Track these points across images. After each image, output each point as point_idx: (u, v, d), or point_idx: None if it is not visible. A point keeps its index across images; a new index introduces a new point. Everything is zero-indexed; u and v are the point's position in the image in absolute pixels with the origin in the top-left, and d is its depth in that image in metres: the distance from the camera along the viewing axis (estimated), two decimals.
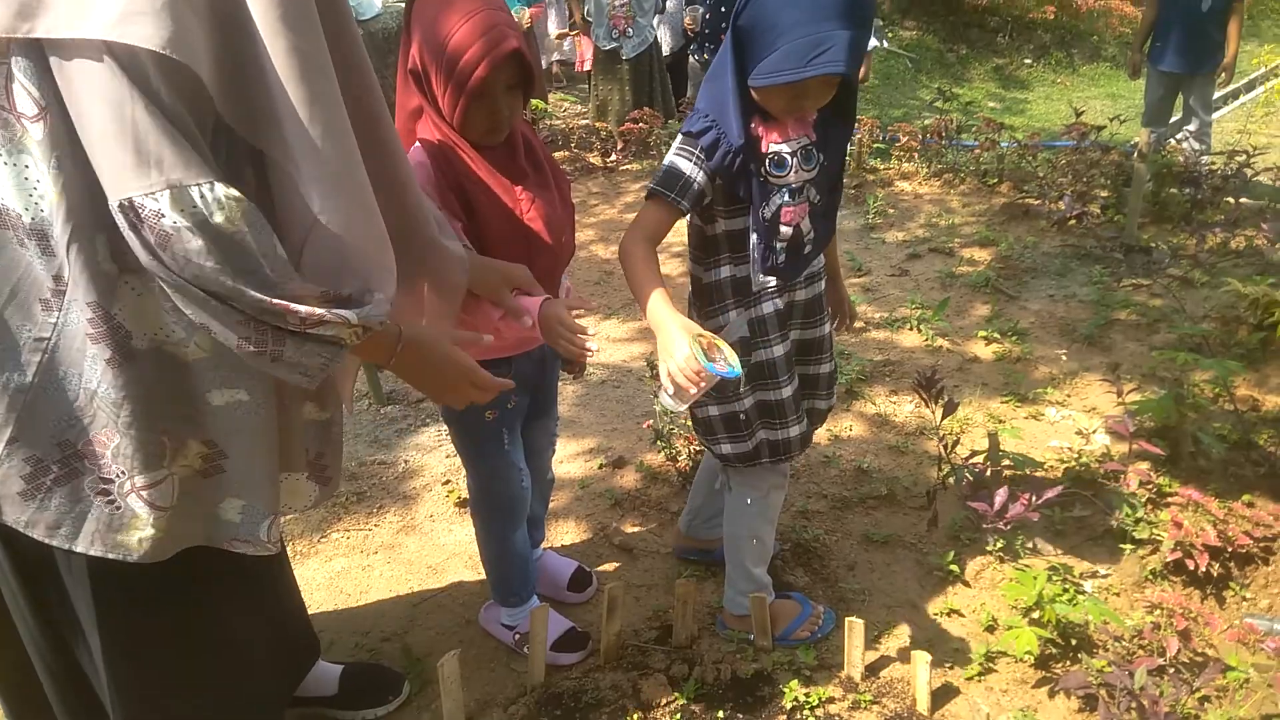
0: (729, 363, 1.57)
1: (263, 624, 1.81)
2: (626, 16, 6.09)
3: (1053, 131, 6.91)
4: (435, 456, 3.01)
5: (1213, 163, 5.08)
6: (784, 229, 1.84)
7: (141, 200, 1.10)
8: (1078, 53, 12.62)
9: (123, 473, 1.32)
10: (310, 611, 2.35)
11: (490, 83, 1.66)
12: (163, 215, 1.10)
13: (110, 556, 1.36)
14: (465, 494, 2.72)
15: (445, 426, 2.85)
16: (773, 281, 1.89)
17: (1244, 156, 4.91)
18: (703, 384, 1.58)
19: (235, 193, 1.14)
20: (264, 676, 1.80)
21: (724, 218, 1.85)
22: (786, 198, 1.82)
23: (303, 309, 1.20)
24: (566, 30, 6.41)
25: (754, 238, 1.83)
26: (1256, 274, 3.69)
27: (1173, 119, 5.90)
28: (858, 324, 2.20)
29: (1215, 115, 5.98)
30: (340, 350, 1.29)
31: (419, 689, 2.10)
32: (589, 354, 1.76)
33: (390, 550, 2.62)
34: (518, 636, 2.20)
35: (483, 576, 2.30)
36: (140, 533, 1.36)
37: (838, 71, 1.60)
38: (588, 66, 6.73)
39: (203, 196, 1.12)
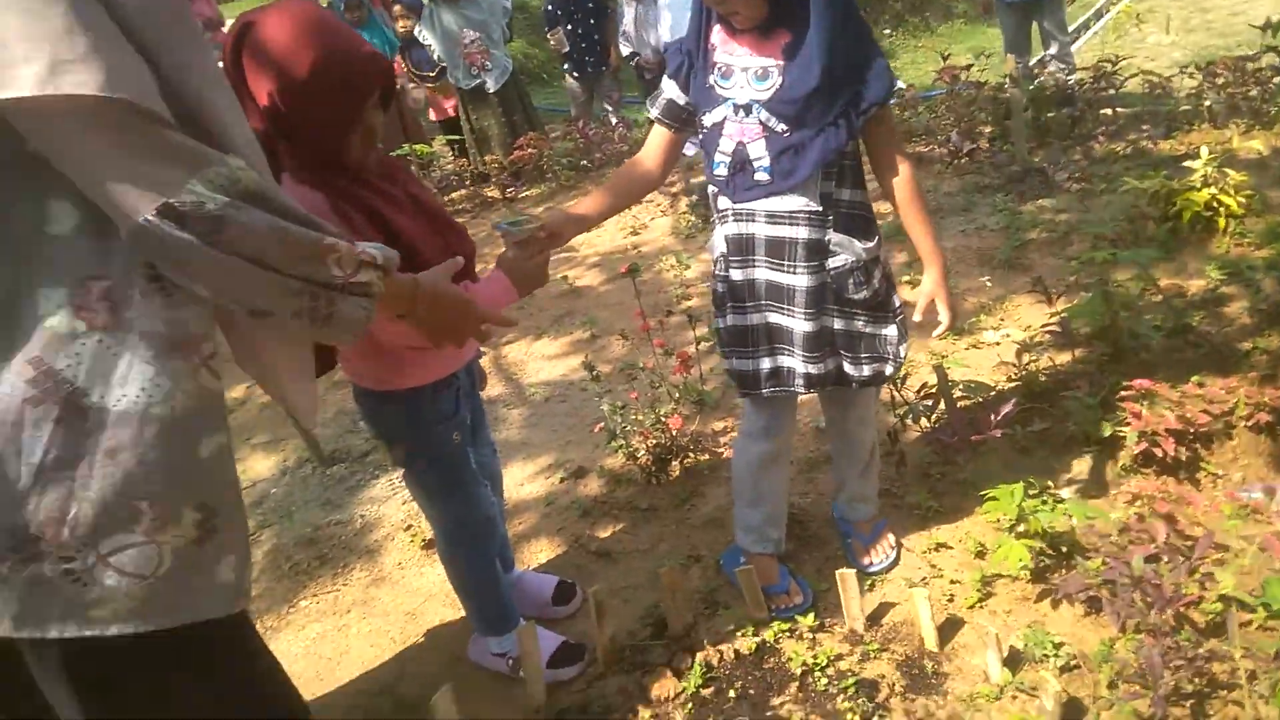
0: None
1: (259, 699, 1.70)
2: (481, 51, 6.07)
3: (926, 85, 7.08)
4: (391, 505, 2.91)
5: (1081, 80, 5.24)
6: (724, 141, 1.86)
7: (179, 198, 1.10)
8: (931, 14, 13.01)
9: (84, 545, 1.20)
10: (294, 684, 2.24)
11: (373, 99, 1.65)
12: (204, 203, 1.11)
13: (85, 634, 1.23)
14: (429, 536, 2.63)
15: (397, 474, 2.77)
16: (722, 201, 1.93)
17: (1109, 67, 5.08)
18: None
19: (240, 162, 1.17)
20: None
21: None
22: (730, 111, 1.83)
23: (342, 242, 1.24)
24: (413, 88, 6.37)
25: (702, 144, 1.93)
26: (1148, 171, 3.79)
27: (1038, 55, 6.07)
28: (938, 330, 2.02)
29: (1073, 45, 6.18)
30: (373, 297, 1.31)
31: None
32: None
33: (364, 606, 2.51)
34: (511, 661, 2.12)
35: (463, 613, 2.22)
36: (114, 605, 1.23)
37: None
38: (450, 113, 6.67)
39: (221, 173, 1.14)
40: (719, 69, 1.85)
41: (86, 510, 1.19)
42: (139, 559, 1.23)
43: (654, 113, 2.02)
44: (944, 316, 2.00)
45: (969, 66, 5.59)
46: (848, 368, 2.00)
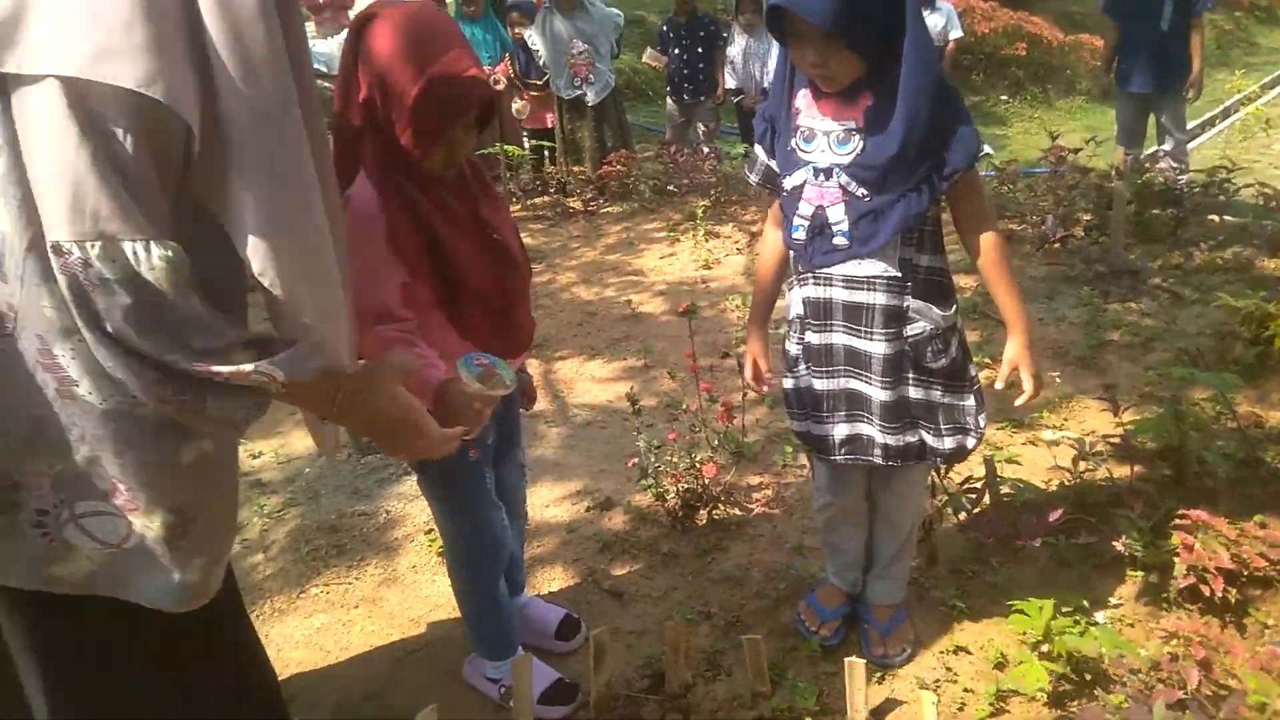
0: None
1: (232, 690, 1.70)
2: (587, 64, 6.12)
3: (1031, 161, 6.92)
4: (417, 505, 2.91)
5: (1192, 181, 5.07)
6: (803, 205, 1.84)
7: (70, 247, 1.05)
8: (1052, 88, 12.77)
9: (61, 501, 1.24)
10: (290, 671, 2.26)
11: (467, 120, 1.66)
12: (90, 265, 1.06)
13: (44, 590, 1.27)
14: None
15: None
16: (801, 266, 1.91)
17: (1224, 174, 4.90)
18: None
19: (170, 252, 1.10)
20: None
21: None
22: (810, 175, 1.81)
23: (226, 370, 1.15)
24: (520, 101, 6.42)
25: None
26: (1246, 289, 3.63)
27: (1150, 149, 5.91)
28: (1020, 399, 1.99)
29: (1194, 143, 6.00)
30: (267, 399, 1.24)
31: None
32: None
33: (371, 604, 2.51)
34: (503, 690, 2.09)
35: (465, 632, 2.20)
36: (74, 565, 1.27)
37: (775, 3, 1.65)
38: (547, 124, 6.70)
39: (134, 253, 1.07)
40: (802, 133, 1.83)
41: (70, 471, 1.23)
42: (107, 527, 1.27)
43: (755, 179, 2.01)
44: (1028, 385, 1.93)
45: (1078, 150, 5.45)
46: (929, 439, 1.95)
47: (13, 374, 1.18)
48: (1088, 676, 2.01)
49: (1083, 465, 2.64)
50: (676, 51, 6.86)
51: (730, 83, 6.80)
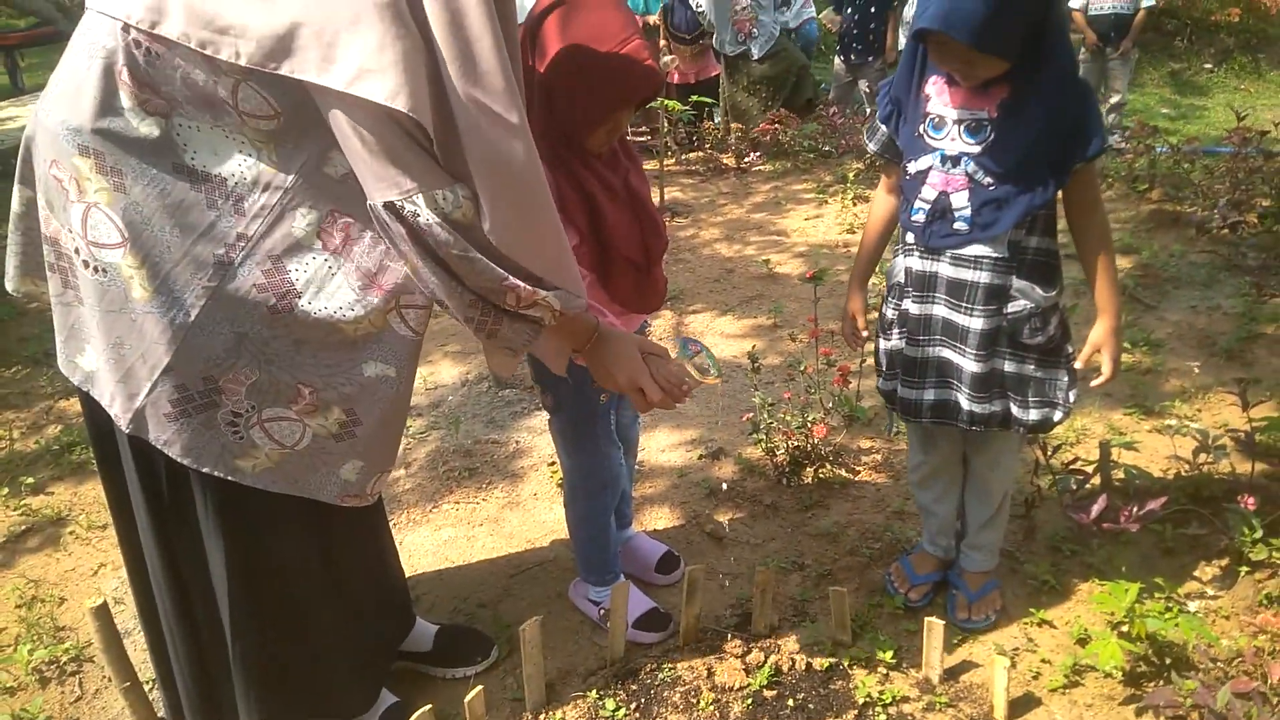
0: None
1: (372, 581, 1.98)
2: (750, 19, 6.12)
3: (1214, 139, 6.50)
4: (545, 439, 3.13)
5: None
6: (926, 189, 1.89)
7: (402, 203, 1.33)
8: (1265, 58, 11.74)
9: (252, 407, 1.50)
10: (416, 573, 2.52)
11: (637, 105, 1.80)
12: (418, 214, 1.34)
13: (229, 479, 1.54)
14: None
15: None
16: (911, 238, 1.97)
17: None
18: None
19: (468, 193, 1.36)
20: (373, 629, 1.96)
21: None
22: (937, 162, 1.87)
23: (523, 286, 1.43)
24: (669, 56, 6.47)
25: (902, 189, 1.98)
26: None
27: None
28: (1097, 381, 1.98)
29: None
30: (540, 329, 1.53)
31: (507, 654, 2.21)
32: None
33: (494, 524, 2.75)
34: (602, 612, 2.28)
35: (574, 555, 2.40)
36: (254, 460, 1.54)
37: (923, 26, 1.71)
38: (690, 80, 6.71)
39: (445, 198, 1.34)
40: (931, 119, 1.88)
41: (265, 381, 1.49)
42: (286, 431, 1.53)
43: (874, 148, 2.07)
44: (1106, 367, 1.96)
45: (1265, 133, 5.10)
46: (1015, 410, 2.00)
47: (227, 297, 1.43)
48: (1168, 661, 2.03)
49: (1203, 458, 2.59)
50: (849, 10, 6.78)
51: (903, 43, 6.67)
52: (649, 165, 5.37)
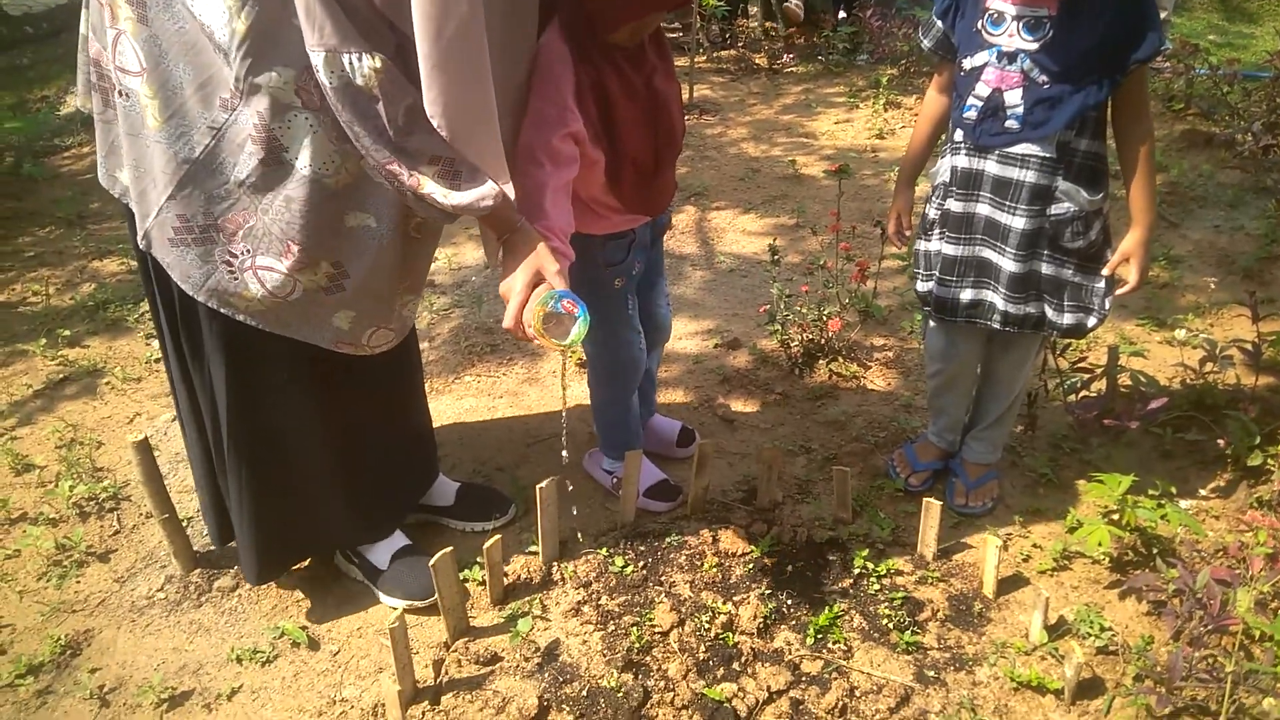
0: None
1: (391, 430, 2.06)
2: None
3: (1255, 64, 6.35)
4: None
5: None
6: (980, 86, 1.90)
7: (311, 53, 1.37)
8: None
9: (246, 251, 1.59)
10: (439, 439, 2.61)
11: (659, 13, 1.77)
12: (317, 69, 1.38)
13: (221, 310, 1.65)
14: (584, 356, 2.90)
15: None
16: (959, 134, 1.98)
17: None
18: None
19: (379, 63, 1.38)
20: (382, 473, 2.06)
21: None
22: (993, 58, 1.87)
23: (405, 176, 1.45)
24: None
25: (956, 85, 1.97)
26: None
27: None
28: (1121, 290, 2.01)
29: None
30: (444, 214, 1.53)
31: (523, 513, 2.32)
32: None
33: (514, 397, 2.84)
34: (615, 481, 2.38)
35: (592, 429, 2.49)
36: (248, 302, 1.64)
37: None
38: None
39: (350, 63, 1.37)
40: (990, 15, 1.87)
41: (259, 228, 1.57)
42: (278, 283, 1.63)
43: (928, 44, 2.05)
44: (1132, 276, 1.99)
45: None
46: (1050, 313, 2.04)
47: (227, 142, 1.51)
48: (1155, 551, 2.12)
49: (1209, 367, 2.64)
50: None
51: None
52: (680, 61, 5.32)
